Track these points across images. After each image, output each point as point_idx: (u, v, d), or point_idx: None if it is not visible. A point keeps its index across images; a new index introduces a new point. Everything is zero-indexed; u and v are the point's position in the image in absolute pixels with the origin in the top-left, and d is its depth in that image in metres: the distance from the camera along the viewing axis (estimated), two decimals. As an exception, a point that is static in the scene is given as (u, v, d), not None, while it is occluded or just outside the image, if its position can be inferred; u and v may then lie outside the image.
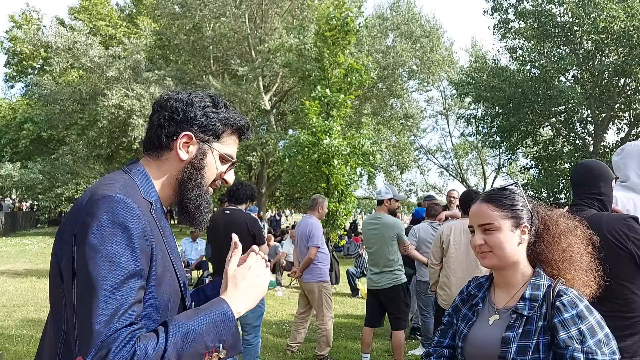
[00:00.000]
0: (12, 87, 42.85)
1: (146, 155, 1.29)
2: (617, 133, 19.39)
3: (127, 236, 1.05)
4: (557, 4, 17.60)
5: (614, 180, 2.38)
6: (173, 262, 1.21)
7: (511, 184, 1.59)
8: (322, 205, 5.48)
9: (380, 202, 5.11)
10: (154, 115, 1.28)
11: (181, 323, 1.06)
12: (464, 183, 31.59)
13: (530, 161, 21.25)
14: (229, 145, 1.32)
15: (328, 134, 10.69)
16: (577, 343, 1.36)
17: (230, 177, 1.36)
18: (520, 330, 1.43)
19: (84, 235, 1.04)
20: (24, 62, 31.27)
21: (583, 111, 18.27)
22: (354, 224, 22.40)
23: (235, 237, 1.32)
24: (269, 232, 14.12)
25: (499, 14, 19.27)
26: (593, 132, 18.69)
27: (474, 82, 19.20)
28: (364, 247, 5.33)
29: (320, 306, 5.30)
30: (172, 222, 33.20)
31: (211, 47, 21.52)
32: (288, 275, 9.66)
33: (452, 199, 7.00)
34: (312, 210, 5.50)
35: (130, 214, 1.07)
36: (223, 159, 1.31)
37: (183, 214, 1.29)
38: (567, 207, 4.39)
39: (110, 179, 1.18)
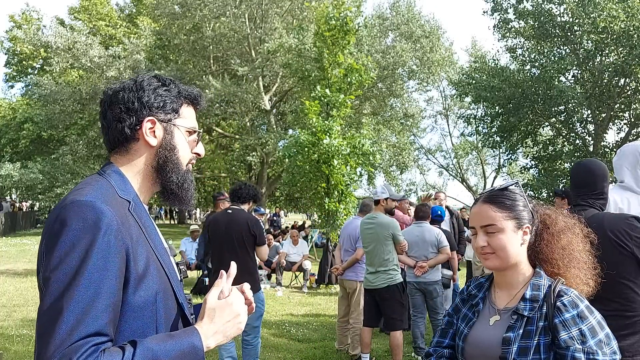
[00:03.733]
0: (12, 87, 42.87)
1: (115, 154, 1.26)
2: (617, 133, 19.38)
3: (98, 240, 1.02)
4: (557, 4, 17.58)
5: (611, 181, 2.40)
6: (159, 258, 1.19)
7: (511, 184, 1.58)
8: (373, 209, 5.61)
9: (376, 202, 5.14)
10: (107, 113, 1.24)
11: (149, 347, 1.03)
12: (464, 183, 31.60)
13: (530, 161, 21.23)
14: (189, 117, 1.32)
15: (328, 134, 10.68)
16: (578, 343, 1.36)
17: (200, 150, 1.35)
18: (521, 331, 1.43)
19: (54, 242, 1.02)
20: (24, 62, 31.25)
21: (583, 111, 18.24)
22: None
23: (233, 265, 1.29)
24: (267, 232, 14.11)
25: (499, 14, 19.26)
26: (593, 132, 18.67)
27: (474, 82, 19.18)
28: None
29: (358, 305, 5.41)
30: (172, 221, 33.20)
31: (211, 47, 21.50)
32: (330, 271, 9.69)
33: (439, 200, 7.05)
34: (362, 213, 5.59)
35: (100, 216, 1.05)
36: (189, 132, 1.31)
37: (168, 196, 1.28)
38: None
39: (83, 183, 1.16)
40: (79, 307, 0.97)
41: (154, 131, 1.24)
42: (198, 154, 1.35)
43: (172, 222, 32.66)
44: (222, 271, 1.28)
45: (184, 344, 1.08)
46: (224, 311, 1.18)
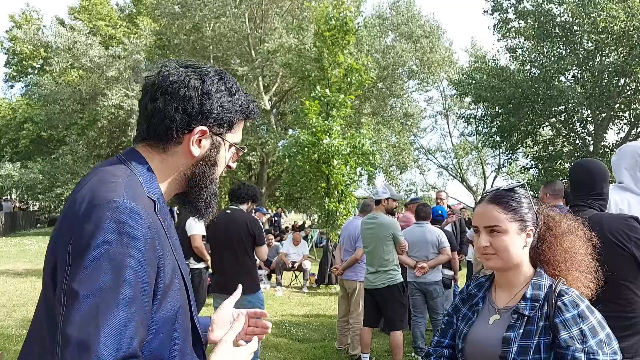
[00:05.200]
0: (12, 87, 42.84)
1: (147, 146, 1.13)
2: (617, 133, 19.39)
3: (135, 250, 0.94)
4: (557, 4, 17.59)
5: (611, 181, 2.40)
6: (180, 267, 1.10)
7: (518, 185, 1.57)
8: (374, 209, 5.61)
9: (377, 202, 5.14)
10: (159, 101, 1.10)
11: None
12: (464, 183, 31.59)
13: (530, 161, 21.24)
14: (239, 133, 1.22)
15: (328, 134, 10.68)
16: (578, 343, 1.35)
17: (234, 164, 1.27)
18: (521, 331, 1.43)
19: (85, 247, 0.91)
20: (24, 62, 31.25)
21: (583, 111, 18.25)
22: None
23: (239, 288, 1.26)
24: (267, 232, 14.12)
25: (499, 14, 19.27)
26: (593, 132, 18.68)
27: (474, 82, 19.18)
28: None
29: (357, 305, 5.42)
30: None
31: (211, 47, 21.50)
32: (330, 270, 9.71)
33: (440, 200, 7.05)
34: (363, 213, 5.59)
35: (138, 223, 0.95)
36: (232, 147, 1.22)
37: (191, 208, 1.19)
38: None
39: (111, 175, 1.04)
40: (113, 326, 0.89)
41: (200, 141, 1.13)
42: (229, 167, 1.25)
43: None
44: (240, 313, 1.25)
45: None
46: (237, 358, 1.14)
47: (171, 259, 1.06)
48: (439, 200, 7.02)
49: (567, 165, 18.62)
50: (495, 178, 30.28)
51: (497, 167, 29.38)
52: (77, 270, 0.91)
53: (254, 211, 8.59)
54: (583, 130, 19.29)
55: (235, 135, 1.21)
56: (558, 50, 18.22)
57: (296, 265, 10.41)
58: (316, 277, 10.82)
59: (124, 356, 0.89)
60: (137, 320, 0.93)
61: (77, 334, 0.87)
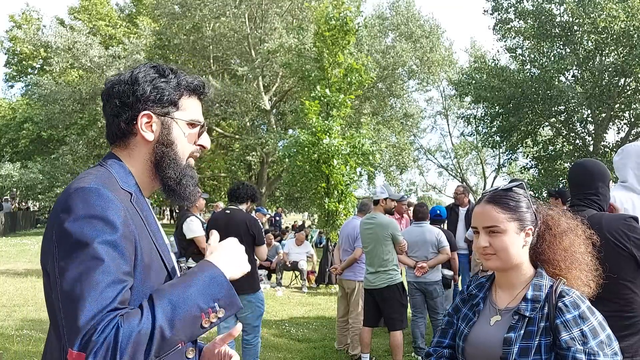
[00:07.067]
0: (12, 87, 42.94)
1: (116, 147, 1.24)
2: (617, 133, 19.39)
3: (107, 225, 1.01)
4: (557, 3, 17.59)
5: (611, 180, 2.39)
6: (160, 253, 1.17)
7: (516, 185, 1.57)
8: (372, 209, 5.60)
9: (376, 202, 5.14)
10: (105, 107, 1.23)
11: (167, 291, 1.02)
12: (464, 183, 31.60)
13: (530, 161, 21.24)
14: (191, 109, 1.27)
15: (328, 133, 10.68)
16: (579, 344, 1.35)
17: (205, 142, 1.31)
18: (522, 332, 1.43)
19: (62, 232, 1.01)
20: (24, 62, 31.26)
21: (583, 111, 18.25)
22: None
23: (215, 234, 1.27)
24: (267, 232, 14.12)
25: (499, 14, 19.27)
26: (593, 132, 18.68)
27: (473, 82, 19.18)
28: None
29: (356, 305, 5.44)
30: (172, 221, 33.22)
31: (211, 47, 21.50)
32: (329, 270, 9.72)
33: (458, 194, 6.96)
34: (361, 213, 5.61)
35: (106, 202, 1.04)
36: (191, 125, 1.26)
37: (168, 193, 1.25)
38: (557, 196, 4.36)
39: (85, 173, 1.15)
40: (96, 293, 0.97)
41: (151, 125, 1.20)
42: (203, 146, 1.30)
43: (172, 221, 32.67)
44: (214, 231, 1.28)
45: (203, 276, 1.07)
46: (231, 247, 1.20)
47: (148, 241, 1.13)
48: (456, 195, 6.93)
49: (567, 165, 18.63)
50: (495, 178, 30.30)
51: (497, 167, 29.38)
52: (60, 252, 1.01)
53: (254, 211, 8.61)
54: (583, 130, 19.29)
55: (187, 113, 1.26)
56: (558, 50, 18.22)
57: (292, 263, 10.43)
58: (316, 274, 10.83)
59: (108, 310, 0.97)
60: (116, 287, 1.00)
61: (66, 302, 0.98)
